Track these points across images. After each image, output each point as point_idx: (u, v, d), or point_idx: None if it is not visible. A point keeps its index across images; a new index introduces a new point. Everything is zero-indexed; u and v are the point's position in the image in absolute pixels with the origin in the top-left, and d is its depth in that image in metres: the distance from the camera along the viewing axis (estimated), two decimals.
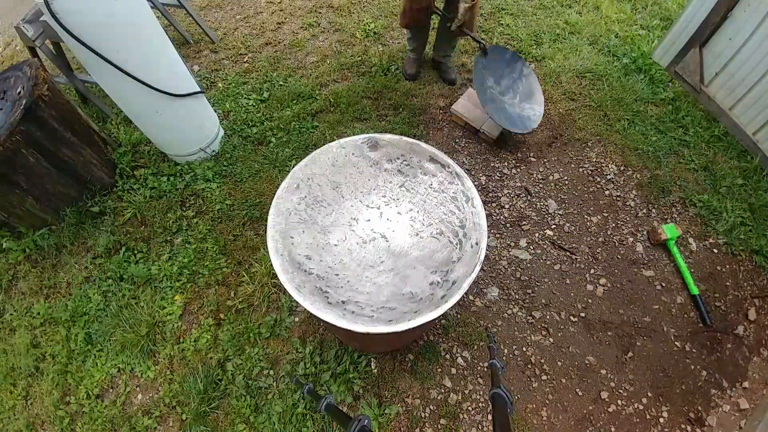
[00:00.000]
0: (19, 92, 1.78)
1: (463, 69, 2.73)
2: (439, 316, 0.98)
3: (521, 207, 2.14)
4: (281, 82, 2.68)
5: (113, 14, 1.56)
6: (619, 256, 1.98)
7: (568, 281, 1.92)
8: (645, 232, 2.04)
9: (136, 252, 2.03)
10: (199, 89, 2.08)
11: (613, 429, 1.59)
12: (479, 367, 1.71)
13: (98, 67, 1.73)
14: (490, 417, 1.59)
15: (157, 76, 1.86)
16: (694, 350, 1.75)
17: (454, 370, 1.70)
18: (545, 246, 2.02)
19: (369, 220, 1.26)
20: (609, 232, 2.05)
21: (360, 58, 2.78)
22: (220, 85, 2.71)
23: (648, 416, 1.61)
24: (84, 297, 1.92)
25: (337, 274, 1.13)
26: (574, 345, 1.76)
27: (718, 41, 2.16)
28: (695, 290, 1.84)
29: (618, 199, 2.16)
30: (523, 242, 2.03)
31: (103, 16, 1.53)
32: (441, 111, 2.52)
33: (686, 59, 2.33)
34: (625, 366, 1.72)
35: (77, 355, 1.81)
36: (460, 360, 1.72)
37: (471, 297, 1.87)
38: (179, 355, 1.77)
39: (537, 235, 2.05)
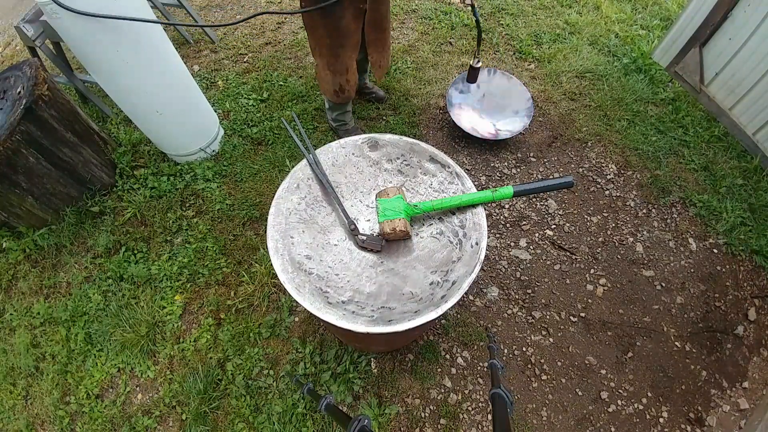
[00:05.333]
0: (19, 92, 1.78)
1: (463, 69, 2.73)
2: (439, 316, 0.98)
3: (521, 207, 2.14)
4: (281, 82, 2.68)
5: (113, 14, 1.56)
6: (619, 256, 1.98)
7: (568, 281, 1.92)
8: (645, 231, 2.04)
9: (136, 252, 2.03)
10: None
11: (613, 429, 1.59)
12: (479, 367, 1.71)
13: (98, 66, 1.73)
14: (490, 417, 1.59)
15: (157, 74, 1.86)
16: (694, 350, 1.75)
17: (454, 370, 1.70)
18: (545, 246, 2.02)
19: (369, 220, 1.26)
20: (609, 232, 2.05)
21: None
22: (220, 84, 2.71)
23: (648, 416, 1.61)
24: (84, 297, 1.92)
25: (337, 274, 1.13)
26: (574, 345, 1.76)
27: (718, 41, 2.16)
28: None
29: (618, 199, 2.16)
30: (523, 242, 2.03)
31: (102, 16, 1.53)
32: (441, 111, 2.52)
33: (686, 59, 2.33)
34: (625, 366, 1.72)
35: (77, 355, 1.81)
36: (460, 360, 1.72)
37: (471, 297, 1.87)
38: (179, 355, 1.77)
39: (537, 235, 2.05)
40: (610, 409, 1.63)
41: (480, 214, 1.16)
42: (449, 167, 1.27)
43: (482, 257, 1.07)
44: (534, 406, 1.63)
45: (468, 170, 2.27)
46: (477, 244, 1.10)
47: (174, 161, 2.29)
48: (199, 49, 2.93)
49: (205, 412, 1.63)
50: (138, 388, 1.74)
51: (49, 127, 1.83)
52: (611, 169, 2.26)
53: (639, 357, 1.73)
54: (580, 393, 1.66)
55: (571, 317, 1.83)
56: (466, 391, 1.65)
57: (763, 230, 1.99)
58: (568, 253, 1.99)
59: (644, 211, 2.12)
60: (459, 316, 1.82)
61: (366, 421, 0.73)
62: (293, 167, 1.27)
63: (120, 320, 1.83)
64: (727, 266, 1.94)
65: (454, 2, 3.20)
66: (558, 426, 1.60)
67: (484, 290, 1.89)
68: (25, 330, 1.90)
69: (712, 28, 2.13)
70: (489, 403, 1.45)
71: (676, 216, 2.10)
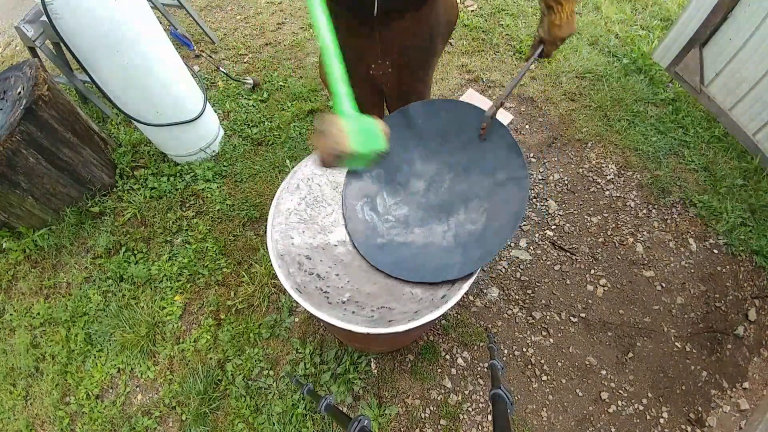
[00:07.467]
0: (19, 92, 1.78)
1: (463, 69, 2.73)
2: (439, 317, 0.98)
3: None
4: (281, 83, 2.69)
5: (113, 14, 1.56)
6: (619, 257, 1.98)
7: (568, 282, 1.92)
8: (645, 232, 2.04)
9: (136, 252, 2.02)
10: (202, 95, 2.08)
11: (613, 429, 1.58)
12: (479, 368, 1.70)
13: (99, 66, 1.73)
14: (490, 417, 1.59)
15: (161, 75, 1.86)
16: (694, 351, 1.75)
17: (454, 371, 1.70)
18: (545, 246, 2.02)
19: None
20: (609, 233, 2.05)
21: None
22: (220, 84, 2.71)
23: (648, 417, 1.61)
24: (84, 297, 1.92)
25: (337, 274, 1.13)
26: (574, 345, 1.76)
27: (718, 41, 2.16)
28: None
29: (618, 199, 2.16)
30: (523, 243, 2.03)
31: (103, 17, 1.53)
32: None
33: (686, 59, 2.33)
34: (625, 366, 1.71)
35: (77, 356, 1.81)
36: (460, 360, 1.72)
37: (471, 297, 1.87)
38: (179, 355, 1.77)
39: (537, 235, 2.05)
40: (610, 410, 1.62)
41: None
42: None
43: None
44: (534, 406, 1.63)
45: None
46: None
47: (174, 161, 2.29)
48: (200, 50, 2.93)
49: (205, 413, 1.63)
50: (138, 389, 1.74)
51: (49, 128, 1.83)
52: (611, 170, 2.26)
53: (639, 357, 1.73)
54: (580, 393, 1.66)
55: (572, 318, 1.82)
56: (467, 392, 1.65)
57: (763, 230, 1.98)
58: (568, 254, 1.99)
59: (644, 211, 2.12)
60: (459, 316, 1.82)
61: (366, 421, 0.73)
62: (293, 167, 1.27)
63: (120, 321, 1.83)
64: (728, 266, 1.94)
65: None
66: (558, 426, 1.59)
67: (484, 291, 1.89)
68: (25, 330, 1.90)
69: (712, 28, 2.13)
70: (489, 403, 1.45)
71: (676, 216, 2.09)
